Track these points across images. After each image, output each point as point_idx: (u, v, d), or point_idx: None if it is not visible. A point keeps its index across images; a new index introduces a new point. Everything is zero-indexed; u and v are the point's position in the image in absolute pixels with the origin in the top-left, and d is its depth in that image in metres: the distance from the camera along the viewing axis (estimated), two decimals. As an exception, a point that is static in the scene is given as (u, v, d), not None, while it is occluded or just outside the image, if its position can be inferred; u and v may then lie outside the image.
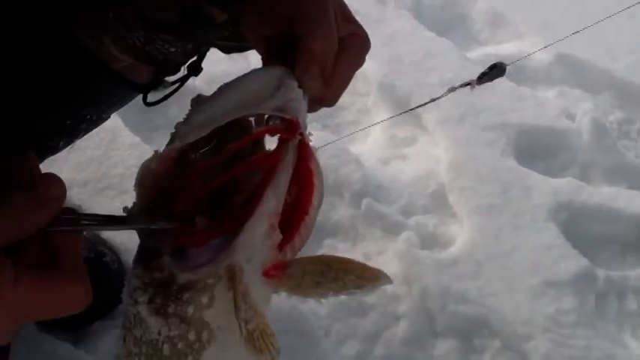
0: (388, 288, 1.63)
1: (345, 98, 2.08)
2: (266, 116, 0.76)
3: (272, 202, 0.71)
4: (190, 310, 0.68)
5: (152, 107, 1.99)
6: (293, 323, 1.51)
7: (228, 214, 0.73)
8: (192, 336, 0.69)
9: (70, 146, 1.15)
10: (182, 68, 1.11)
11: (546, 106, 2.16)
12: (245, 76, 0.77)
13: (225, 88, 0.75)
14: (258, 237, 0.70)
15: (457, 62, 2.26)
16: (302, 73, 0.82)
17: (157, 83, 1.14)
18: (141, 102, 1.95)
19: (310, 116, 1.70)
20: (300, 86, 0.78)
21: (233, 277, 0.68)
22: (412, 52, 2.26)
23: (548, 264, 1.71)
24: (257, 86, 0.75)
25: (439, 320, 1.58)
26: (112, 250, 1.50)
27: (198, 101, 0.74)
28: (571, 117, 2.15)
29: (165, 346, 0.69)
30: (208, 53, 1.14)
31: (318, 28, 0.83)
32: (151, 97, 1.16)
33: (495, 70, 1.28)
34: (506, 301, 1.62)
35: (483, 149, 1.96)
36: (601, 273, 1.74)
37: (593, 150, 2.08)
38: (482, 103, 2.11)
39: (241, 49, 1.11)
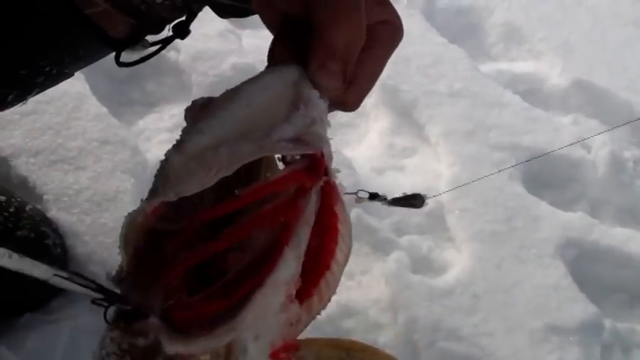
0: (370, 313, 1.44)
1: (342, 97, 1.88)
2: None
3: (291, 266, 0.56)
4: None
5: (127, 80, 1.80)
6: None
7: (234, 278, 0.59)
8: None
9: (21, 103, 0.95)
10: (167, 28, 0.93)
11: (561, 132, 1.98)
12: (252, 82, 0.60)
13: (226, 101, 0.59)
14: (271, 309, 0.57)
15: (468, 73, 2.07)
16: (318, 70, 0.64)
17: (134, 41, 0.94)
18: (113, 71, 1.74)
19: None
20: (315, 87, 0.61)
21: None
22: (421, 56, 2.06)
23: (553, 306, 1.52)
24: (268, 100, 0.59)
25: (425, 356, 1.39)
26: (56, 232, 1.29)
27: (194, 115, 0.60)
28: (586, 147, 1.97)
29: None
30: (198, 22, 0.96)
31: (340, 13, 0.63)
32: (126, 57, 0.97)
33: (414, 201, 1.04)
34: (503, 343, 1.42)
35: (490, 170, 1.77)
36: (608, 323, 1.55)
37: (608, 186, 1.90)
38: (493, 120, 1.92)
39: (241, 12, 0.91)
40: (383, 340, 1.40)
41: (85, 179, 1.39)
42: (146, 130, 1.67)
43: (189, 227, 0.60)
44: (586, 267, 1.67)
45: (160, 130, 1.67)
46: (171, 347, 0.55)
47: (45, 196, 1.35)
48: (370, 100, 1.98)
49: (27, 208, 1.27)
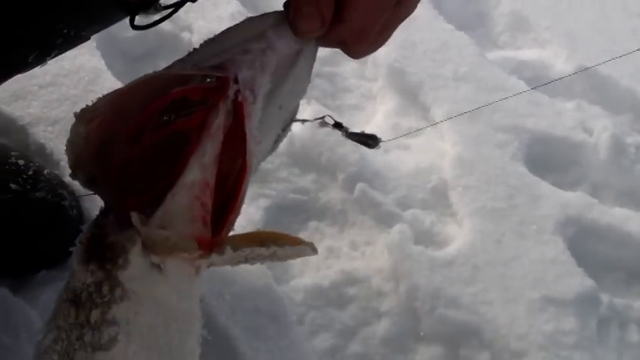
0: (373, 282, 1.49)
1: (351, 81, 1.93)
2: None
3: (195, 173, 0.69)
4: (108, 266, 0.69)
5: (141, 58, 1.85)
6: (265, 303, 1.35)
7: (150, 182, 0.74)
8: (105, 289, 0.69)
9: (40, 65, 1.00)
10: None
11: (564, 116, 2.02)
12: (236, 25, 0.76)
13: (212, 38, 0.75)
14: (175, 209, 0.69)
15: (474, 59, 2.12)
16: (294, 15, 0.73)
17: (147, 4, 0.99)
18: (129, 50, 1.80)
19: (310, 94, 1.59)
20: (295, 33, 0.74)
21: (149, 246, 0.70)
22: (427, 41, 2.11)
23: (550, 279, 1.56)
24: (237, 39, 0.74)
25: (425, 323, 1.43)
26: (72, 195, 1.35)
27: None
28: (588, 131, 2.01)
29: (83, 294, 0.70)
30: (213, 8, 1.01)
31: None
32: (139, 21, 1.03)
33: (370, 141, 1.12)
34: (501, 312, 1.47)
35: (493, 150, 1.82)
36: (605, 297, 1.59)
37: (609, 169, 1.94)
38: (498, 103, 1.96)
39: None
40: (385, 307, 1.45)
41: (100, 147, 1.45)
42: (159, 105, 1.73)
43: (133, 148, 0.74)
44: (585, 244, 1.71)
45: (172, 106, 1.73)
46: (111, 237, 0.69)
47: (62, 163, 1.40)
48: (377, 84, 2.03)
49: (44, 172, 1.33)
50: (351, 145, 1.67)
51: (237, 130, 0.72)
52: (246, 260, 0.74)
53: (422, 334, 1.42)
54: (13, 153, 1.34)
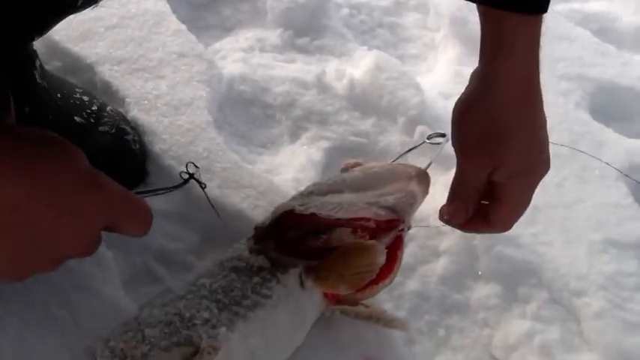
0: (432, 221, 1.48)
1: (413, 31, 1.91)
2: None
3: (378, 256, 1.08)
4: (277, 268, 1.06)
5: (205, 6, 1.87)
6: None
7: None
8: (265, 275, 1.04)
9: (92, 7, 1.01)
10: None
11: (631, 66, 1.98)
12: (388, 165, 1.29)
13: (365, 177, 1.21)
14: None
15: (539, 9, 2.08)
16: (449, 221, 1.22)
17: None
18: (193, -1, 1.81)
19: (372, 43, 1.73)
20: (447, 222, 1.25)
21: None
22: (491, -9, 2.09)
23: (612, 222, 1.53)
24: (387, 177, 1.22)
25: (483, 261, 1.42)
26: (135, 130, 1.37)
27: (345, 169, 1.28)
28: (656, 83, 1.97)
29: (245, 269, 1.05)
30: None
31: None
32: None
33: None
34: (561, 252, 1.45)
35: (557, 97, 1.79)
36: (669, 243, 1.56)
37: (677, 120, 1.89)
38: (562, 53, 1.94)
39: None
40: (444, 246, 1.44)
41: (164, 86, 1.47)
42: (222, 50, 1.75)
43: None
44: (649, 190, 1.68)
45: (235, 50, 1.74)
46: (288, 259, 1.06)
47: (126, 99, 1.43)
48: (440, 34, 2.02)
49: (108, 109, 1.35)
50: (413, 88, 1.67)
51: (391, 249, 1.13)
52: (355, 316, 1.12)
53: (480, 272, 1.41)
54: (77, 89, 1.36)
